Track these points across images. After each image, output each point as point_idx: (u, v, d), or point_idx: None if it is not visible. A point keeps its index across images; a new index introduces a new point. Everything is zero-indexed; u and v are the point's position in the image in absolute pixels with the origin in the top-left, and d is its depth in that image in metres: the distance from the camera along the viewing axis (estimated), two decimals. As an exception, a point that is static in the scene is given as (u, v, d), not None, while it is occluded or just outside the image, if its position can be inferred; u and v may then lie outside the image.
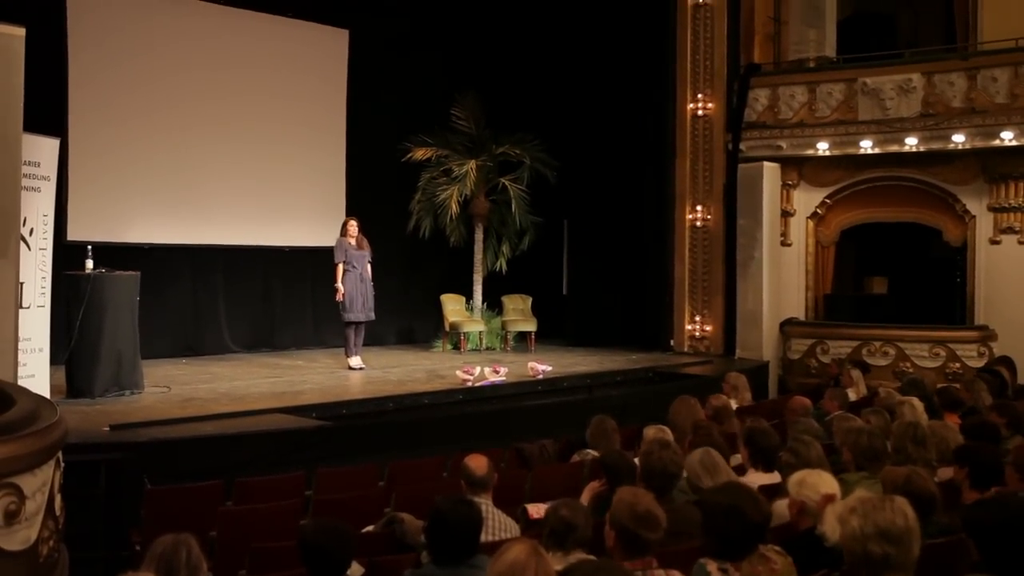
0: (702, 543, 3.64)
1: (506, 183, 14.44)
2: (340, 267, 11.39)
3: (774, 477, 5.06)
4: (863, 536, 2.94)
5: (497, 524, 4.61)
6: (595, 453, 6.33)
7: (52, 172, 8.52)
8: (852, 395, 9.01)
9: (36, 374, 8.21)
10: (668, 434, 6.08)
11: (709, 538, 3.53)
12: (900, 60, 12.88)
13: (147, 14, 12.12)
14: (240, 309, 13.25)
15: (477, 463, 4.83)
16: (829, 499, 3.95)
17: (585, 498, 5.14)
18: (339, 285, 11.33)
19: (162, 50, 12.22)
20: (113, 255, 10.14)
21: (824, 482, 4.06)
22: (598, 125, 14.82)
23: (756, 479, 5.14)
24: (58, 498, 4.31)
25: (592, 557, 3.64)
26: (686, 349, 13.90)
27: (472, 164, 14.16)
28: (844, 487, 4.54)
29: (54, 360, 8.81)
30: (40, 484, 3.89)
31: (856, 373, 10.14)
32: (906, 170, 12.99)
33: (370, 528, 4.93)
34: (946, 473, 4.99)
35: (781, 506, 4.56)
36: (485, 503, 4.64)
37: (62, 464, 4.52)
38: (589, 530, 3.70)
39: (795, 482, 4.11)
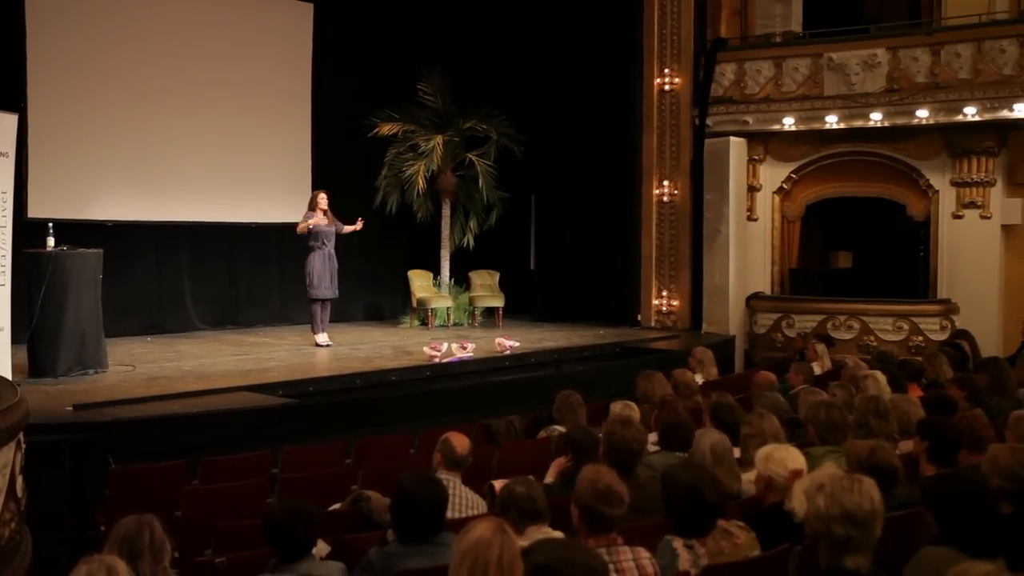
0: (665, 520, 3.67)
1: (473, 158, 14.38)
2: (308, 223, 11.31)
3: (737, 452, 5.11)
4: (827, 517, 2.97)
5: (464, 501, 4.63)
6: (562, 429, 6.35)
7: (11, 148, 8.37)
8: (817, 369, 9.11)
9: (-3, 354, 8.11)
10: (635, 410, 6.11)
11: (670, 517, 3.56)
12: (865, 35, 12.91)
13: (107, -13, 11.94)
14: (205, 286, 13.14)
15: (460, 442, 4.82)
16: (797, 475, 3.99)
17: (552, 474, 5.17)
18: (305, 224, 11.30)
19: (123, 25, 12.02)
20: (75, 232, 9.97)
21: (791, 457, 4.09)
22: (565, 100, 14.77)
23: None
24: (20, 480, 4.28)
25: (558, 533, 3.67)
26: (653, 324, 13.95)
27: (439, 139, 14.08)
28: (810, 460, 4.59)
29: (16, 339, 8.67)
30: (0, 466, 3.85)
31: (821, 347, 10.23)
32: (871, 145, 13.08)
33: (337, 506, 4.93)
34: (907, 446, 5.06)
35: (746, 479, 4.61)
36: (454, 481, 4.64)
37: (23, 445, 4.49)
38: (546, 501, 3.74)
39: (762, 457, 4.14)
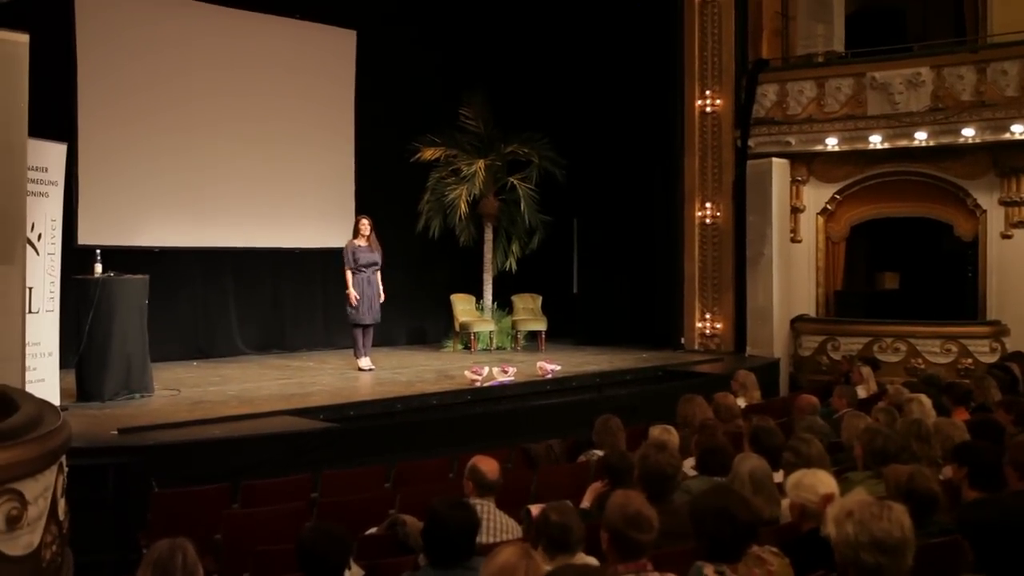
0: (695, 546, 3.63)
1: (515, 182, 14.43)
2: (349, 273, 11.39)
3: (779, 476, 5.04)
4: (856, 544, 2.92)
5: (497, 526, 4.61)
6: (601, 453, 6.31)
7: (60, 177, 8.57)
8: (862, 392, 8.97)
9: (46, 378, 8.27)
10: (673, 434, 6.06)
11: (701, 541, 3.52)
12: (909, 54, 12.79)
13: (155, 17, 12.16)
14: (250, 311, 13.30)
15: (489, 466, 4.80)
16: (828, 499, 3.93)
17: (588, 499, 5.14)
18: (351, 291, 11.33)
19: (170, 54, 12.26)
20: (123, 259, 10.19)
21: (821, 482, 4.03)
22: (606, 123, 14.80)
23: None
24: (62, 503, 4.33)
25: (591, 559, 3.65)
26: (696, 347, 13.87)
27: (481, 164, 14.17)
28: (847, 485, 4.52)
29: (64, 364, 8.84)
30: (42, 489, 3.91)
31: (866, 370, 10.08)
32: (916, 165, 12.93)
33: (373, 530, 4.94)
34: (951, 471, 4.96)
35: (786, 505, 4.55)
36: (487, 505, 4.63)
37: (65, 469, 4.55)
38: (583, 529, 3.71)
39: (792, 484, 4.09)
